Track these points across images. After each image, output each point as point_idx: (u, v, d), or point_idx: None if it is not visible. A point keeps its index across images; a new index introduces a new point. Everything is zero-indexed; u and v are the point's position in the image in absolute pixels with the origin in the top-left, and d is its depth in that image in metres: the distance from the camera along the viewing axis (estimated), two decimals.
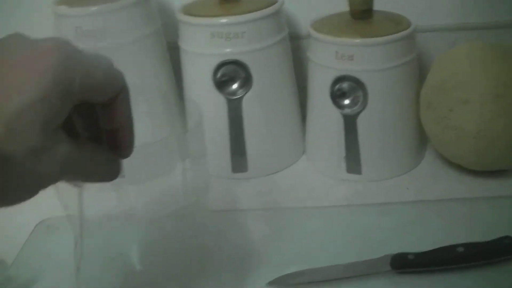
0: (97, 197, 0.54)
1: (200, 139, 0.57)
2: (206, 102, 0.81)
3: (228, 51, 0.83)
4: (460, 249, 0.66)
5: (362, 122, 0.83)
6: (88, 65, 0.41)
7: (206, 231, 0.60)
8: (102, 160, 0.45)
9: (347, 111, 0.83)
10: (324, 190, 0.85)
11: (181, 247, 0.60)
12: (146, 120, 0.58)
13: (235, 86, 0.85)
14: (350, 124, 0.83)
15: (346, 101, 0.82)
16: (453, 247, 0.66)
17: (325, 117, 0.86)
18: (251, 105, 0.86)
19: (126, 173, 0.50)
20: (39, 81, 0.38)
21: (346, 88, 0.82)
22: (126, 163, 0.48)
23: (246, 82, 0.85)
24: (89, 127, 0.46)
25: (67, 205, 0.55)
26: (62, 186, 0.50)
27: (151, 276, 0.58)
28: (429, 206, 0.78)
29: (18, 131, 0.37)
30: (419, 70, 0.86)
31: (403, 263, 0.66)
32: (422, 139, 0.89)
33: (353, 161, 0.85)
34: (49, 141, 0.39)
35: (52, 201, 0.84)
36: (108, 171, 0.46)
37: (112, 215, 0.55)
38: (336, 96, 0.83)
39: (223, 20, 0.83)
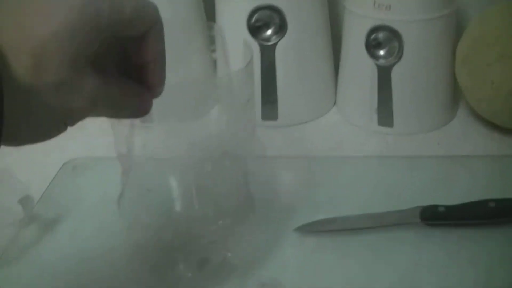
0: (142, 137, 0.53)
1: (249, 81, 0.56)
2: (239, 48, 0.80)
3: None
4: (492, 204, 0.65)
5: (396, 74, 0.81)
6: None
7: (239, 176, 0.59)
8: (131, 96, 0.44)
9: (382, 62, 0.81)
10: (354, 141, 0.85)
11: (213, 192, 0.59)
12: (180, 57, 0.57)
13: (269, 32, 0.84)
14: (384, 76, 0.82)
15: (382, 52, 0.81)
16: (484, 202, 0.65)
17: (359, 67, 0.85)
18: (285, 52, 0.85)
19: (166, 113, 0.50)
20: (66, 12, 0.37)
21: (382, 39, 0.80)
22: (167, 102, 0.47)
23: (281, 29, 0.84)
24: (120, 62, 0.45)
25: (118, 141, 0.54)
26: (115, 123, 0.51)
27: (187, 216, 0.57)
28: (459, 161, 0.77)
29: (46, 63, 0.36)
30: (457, 27, 0.84)
31: (433, 215, 0.65)
32: (455, 95, 0.87)
33: (385, 113, 0.84)
34: (77, 75, 0.38)
35: (79, 142, 0.86)
36: (136, 108, 0.45)
37: (155, 155, 0.54)
38: (372, 47, 0.81)
39: None
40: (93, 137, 0.89)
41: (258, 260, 0.61)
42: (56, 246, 0.69)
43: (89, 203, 0.75)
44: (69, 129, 0.90)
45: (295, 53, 0.86)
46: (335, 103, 0.94)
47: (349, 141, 0.85)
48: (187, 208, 0.57)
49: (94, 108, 0.41)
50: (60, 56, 0.37)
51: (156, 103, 0.46)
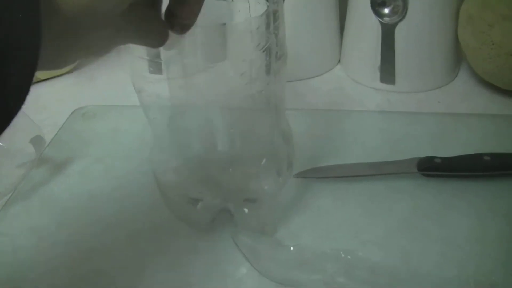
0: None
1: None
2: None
3: None
4: (487, 158, 0.67)
5: (400, 33, 0.83)
6: None
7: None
8: (155, 23, 0.46)
9: (386, 20, 0.83)
10: (357, 97, 0.87)
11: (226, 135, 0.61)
12: None
13: None
14: (388, 34, 0.84)
15: (386, 10, 0.83)
16: (479, 155, 0.67)
17: (363, 25, 0.87)
18: (291, 8, 0.86)
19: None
20: None
21: None
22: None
23: None
24: None
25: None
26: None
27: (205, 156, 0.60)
28: (458, 119, 0.79)
29: None
30: None
31: (429, 166, 0.67)
32: (458, 56, 0.89)
33: (387, 71, 0.86)
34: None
35: (89, 92, 0.89)
36: (155, 36, 0.46)
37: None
38: (376, 5, 0.83)
39: None
40: (102, 87, 0.91)
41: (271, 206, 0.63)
42: (65, 185, 0.72)
43: (98, 148, 0.78)
44: (80, 78, 0.92)
45: (301, 10, 0.88)
46: (339, 60, 0.95)
47: (351, 97, 0.87)
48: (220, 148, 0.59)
49: (118, 32, 0.42)
50: None
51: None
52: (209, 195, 0.61)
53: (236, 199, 0.61)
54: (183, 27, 0.47)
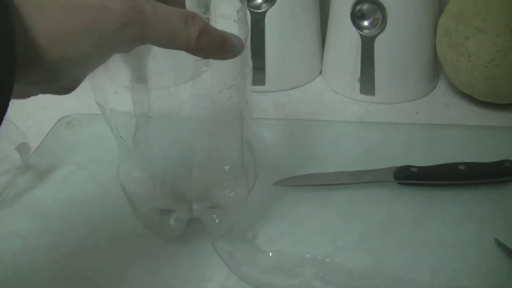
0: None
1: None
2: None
3: None
4: (462, 167, 0.69)
5: (379, 45, 0.85)
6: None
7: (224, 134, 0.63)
8: None
9: (366, 32, 0.85)
10: (337, 107, 0.89)
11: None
12: None
13: (259, 0, 0.87)
14: (367, 46, 0.86)
15: (366, 23, 0.85)
16: (455, 165, 0.69)
17: (344, 37, 0.89)
18: (274, 20, 0.88)
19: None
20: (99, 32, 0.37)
21: (366, 10, 0.84)
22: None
23: None
24: None
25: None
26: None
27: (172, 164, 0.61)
28: (436, 129, 0.81)
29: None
30: (439, 1, 0.88)
31: (406, 175, 0.69)
32: (436, 68, 0.91)
33: (367, 82, 0.88)
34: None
35: (73, 101, 0.90)
36: None
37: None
38: (356, 17, 0.85)
39: None
40: (87, 96, 0.92)
41: (239, 210, 0.65)
42: (49, 191, 0.73)
43: (82, 155, 0.79)
44: None
45: (284, 22, 0.90)
46: (320, 72, 0.97)
47: (332, 107, 0.89)
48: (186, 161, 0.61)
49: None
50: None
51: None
52: (176, 205, 0.63)
53: (204, 207, 0.63)
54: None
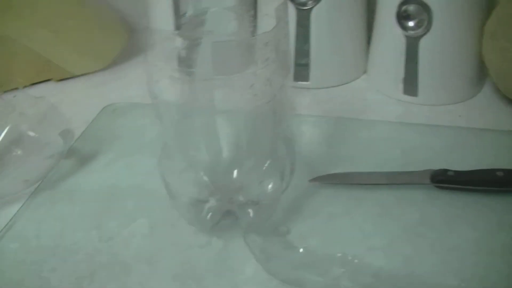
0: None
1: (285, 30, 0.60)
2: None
3: None
4: (500, 174, 0.68)
5: (424, 46, 0.85)
6: None
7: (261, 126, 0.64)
8: None
9: (411, 33, 0.85)
10: (379, 107, 0.89)
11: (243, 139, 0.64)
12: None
13: None
14: (412, 47, 0.85)
15: (411, 23, 0.84)
16: (493, 171, 0.69)
17: (389, 37, 0.89)
18: (320, 17, 0.89)
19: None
20: None
21: (412, 11, 0.84)
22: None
23: None
24: None
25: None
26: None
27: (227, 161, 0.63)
28: (477, 134, 0.80)
29: None
30: (487, 3, 0.87)
31: (442, 178, 0.69)
32: (481, 71, 0.90)
33: (410, 83, 0.88)
34: None
35: (119, 90, 0.92)
36: None
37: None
38: (402, 18, 0.85)
39: None
40: (133, 85, 0.95)
41: (274, 206, 0.65)
42: (90, 178, 0.75)
43: (124, 144, 0.81)
44: (112, 75, 0.96)
45: (330, 19, 0.90)
46: (365, 71, 0.97)
47: (374, 106, 0.89)
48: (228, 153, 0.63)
49: None
50: None
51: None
52: (214, 197, 0.64)
53: (240, 201, 0.63)
54: None
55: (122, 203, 0.70)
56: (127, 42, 1.04)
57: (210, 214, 0.64)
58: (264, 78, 0.57)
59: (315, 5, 0.88)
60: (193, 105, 0.58)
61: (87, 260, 0.63)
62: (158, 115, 0.60)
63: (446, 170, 0.69)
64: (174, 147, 0.63)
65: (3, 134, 0.74)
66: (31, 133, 0.76)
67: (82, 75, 1.00)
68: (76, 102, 0.91)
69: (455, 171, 0.69)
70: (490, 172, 0.69)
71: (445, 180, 0.69)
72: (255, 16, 0.67)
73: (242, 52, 0.58)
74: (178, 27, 0.89)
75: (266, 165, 0.63)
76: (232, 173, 0.64)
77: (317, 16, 0.89)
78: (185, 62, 0.57)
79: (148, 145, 0.78)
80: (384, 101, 0.90)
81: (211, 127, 0.60)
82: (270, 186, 0.64)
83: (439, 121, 0.84)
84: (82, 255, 0.64)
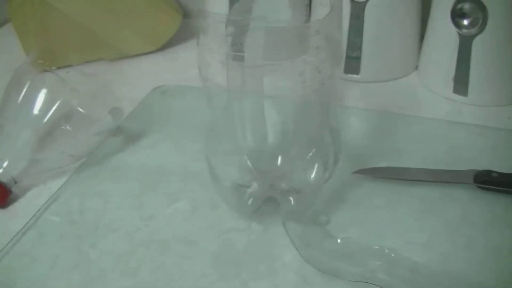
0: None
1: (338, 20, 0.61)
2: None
3: None
4: None
5: (477, 45, 0.84)
6: None
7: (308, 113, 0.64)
8: None
9: (465, 31, 0.84)
10: (428, 104, 0.89)
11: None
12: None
13: None
14: (465, 46, 0.84)
15: (465, 22, 0.84)
16: None
17: (442, 35, 0.88)
18: (374, 11, 0.89)
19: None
20: None
21: (467, 9, 0.83)
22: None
23: None
24: None
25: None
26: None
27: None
28: None
29: None
30: None
31: (486, 179, 0.68)
32: None
33: (461, 82, 0.87)
34: None
35: (170, 72, 0.93)
36: None
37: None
38: (456, 16, 0.84)
39: None
40: (184, 68, 0.96)
41: (316, 195, 0.66)
42: (136, 156, 0.77)
43: (171, 125, 0.82)
44: (164, 57, 0.97)
45: (383, 14, 0.90)
46: (417, 67, 0.97)
47: (422, 104, 0.89)
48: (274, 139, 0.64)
49: None
50: None
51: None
52: (257, 183, 0.65)
53: (282, 188, 0.64)
54: None
55: (166, 183, 0.72)
56: (180, 24, 1.05)
57: (251, 199, 0.65)
58: (314, 66, 0.58)
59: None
60: (242, 90, 0.59)
61: (127, 237, 0.64)
62: (207, 97, 0.61)
63: (490, 171, 0.69)
64: (221, 130, 0.64)
65: (53, 108, 0.76)
66: (81, 110, 0.77)
67: (134, 56, 1.02)
68: (126, 82, 0.93)
69: (499, 173, 0.69)
70: None
71: (488, 181, 0.68)
72: (309, 5, 0.67)
73: (293, 39, 0.58)
74: None
75: (310, 154, 0.64)
76: (276, 159, 0.65)
77: (371, 9, 0.88)
78: (236, 47, 0.57)
79: (195, 128, 0.78)
80: (433, 99, 0.90)
81: (259, 111, 0.61)
82: (313, 175, 0.64)
83: (487, 122, 0.83)
84: (122, 232, 0.65)
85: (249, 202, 0.65)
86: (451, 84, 0.88)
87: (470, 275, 0.58)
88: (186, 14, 1.08)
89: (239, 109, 0.61)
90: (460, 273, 0.58)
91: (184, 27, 1.05)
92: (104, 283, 0.59)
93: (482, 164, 0.70)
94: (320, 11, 0.58)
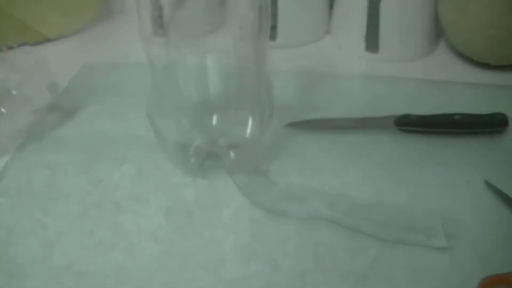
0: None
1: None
2: None
3: None
4: (457, 117, 0.75)
5: (384, 6, 0.91)
6: None
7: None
8: None
9: None
10: (344, 63, 0.95)
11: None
12: None
13: None
14: (373, 6, 0.91)
15: None
16: (451, 115, 0.75)
17: None
18: None
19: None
20: None
21: None
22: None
23: None
24: None
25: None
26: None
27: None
28: (434, 85, 0.87)
29: None
30: None
31: (405, 122, 0.75)
32: (437, 31, 0.97)
33: (372, 40, 0.94)
34: None
35: (96, 50, 0.95)
36: None
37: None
38: None
39: None
40: (108, 46, 0.99)
41: (254, 148, 0.71)
42: (76, 128, 0.79)
43: (105, 98, 0.85)
44: (86, 37, 0.98)
45: None
46: (328, 31, 1.03)
47: (339, 63, 0.95)
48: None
49: None
50: None
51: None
52: (198, 141, 0.69)
53: (222, 144, 0.69)
54: None
55: (110, 149, 0.74)
56: (100, 5, 1.07)
57: (194, 157, 0.69)
58: (250, 22, 0.62)
59: None
60: (181, 50, 0.63)
61: (79, 201, 0.67)
62: (148, 58, 0.65)
63: (408, 115, 0.76)
64: (162, 89, 0.67)
65: None
66: (14, 92, 0.78)
67: (57, 38, 1.03)
68: (53, 64, 0.93)
69: (417, 116, 0.75)
70: (449, 116, 0.75)
71: (408, 123, 0.75)
72: None
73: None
74: None
75: (245, 110, 0.68)
76: (212, 118, 0.69)
77: None
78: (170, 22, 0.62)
79: (128, 99, 0.83)
80: (348, 58, 0.96)
81: (198, 70, 0.65)
82: (248, 130, 0.69)
83: (399, 75, 0.90)
84: (74, 197, 0.68)
85: (192, 159, 0.69)
86: (363, 43, 0.95)
87: (403, 206, 0.65)
88: None
89: (179, 67, 0.65)
90: (393, 205, 0.65)
91: (104, 5, 1.07)
92: (63, 244, 0.62)
93: (400, 110, 0.77)
94: None
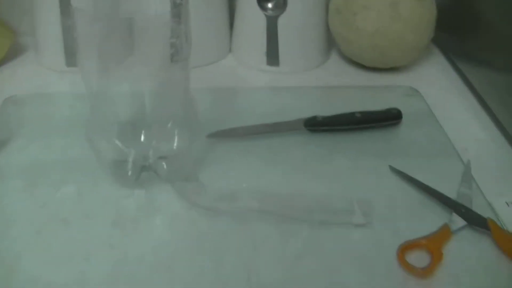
0: None
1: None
2: None
3: None
4: (358, 115, 0.85)
5: (281, 23, 1.00)
6: None
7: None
8: None
9: (270, 13, 1.00)
10: (248, 78, 1.04)
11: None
12: None
13: None
14: (271, 24, 1.01)
15: (269, 5, 1.00)
16: (352, 113, 0.85)
17: (251, 18, 1.04)
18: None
19: None
20: None
21: None
22: None
23: None
24: None
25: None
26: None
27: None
28: (333, 90, 0.99)
29: None
30: None
31: (313, 123, 0.84)
32: (329, 42, 1.08)
33: (272, 55, 1.03)
34: None
35: (18, 82, 0.98)
36: None
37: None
38: (261, 0, 1.00)
39: None
40: (24, 80, 1.01)
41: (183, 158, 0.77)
42: (10, 159, 0.81)
43: (32, 129, 0.87)
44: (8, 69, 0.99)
45: (196, 10, 1.00)
46: (230, 50, 1.11)
47: (243, 78, 1.04)
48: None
49: None
50: None
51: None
52: (131, 156, 0.74)
53: (152, 157, 0.75)
54: None
55: (47, 174, 0.77)
56: (13, 41, 1.09)
57: (130, 171, 0.75)
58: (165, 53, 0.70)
59: None
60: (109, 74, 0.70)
61: (30, 223, 0.69)
62: (84, 80, 0.70)
63: (315, 117, 0.85)
64: (96, 114, 0.73)
65: None
66: None
67: None
68: None
69: (323, 116, 0.85)
70: (351, 114, 0.85)
71: (316, 123, 0.84)
72: None
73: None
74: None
75: (169, 125, 0.75)
76: (141, 135, 0.76)
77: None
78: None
79: (55, 127, 0.87)
80: (251, 73, 1.05)
81: (127, 93, 0.72)
82: (175, 143, 0.75)
83: (300, 84, 1.00)
84: (24, 220, 0.70)
85: (129, 173, 0.75)
86: (264, 58, 1.04)
87: (321, 194, 0.73)
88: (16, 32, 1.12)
89: (106, 92, 0.71)
90: (313, 194, 0.73)
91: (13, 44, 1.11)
92: (25, 262, 0.65)
93: (307, 114, 0.86)
94: None
